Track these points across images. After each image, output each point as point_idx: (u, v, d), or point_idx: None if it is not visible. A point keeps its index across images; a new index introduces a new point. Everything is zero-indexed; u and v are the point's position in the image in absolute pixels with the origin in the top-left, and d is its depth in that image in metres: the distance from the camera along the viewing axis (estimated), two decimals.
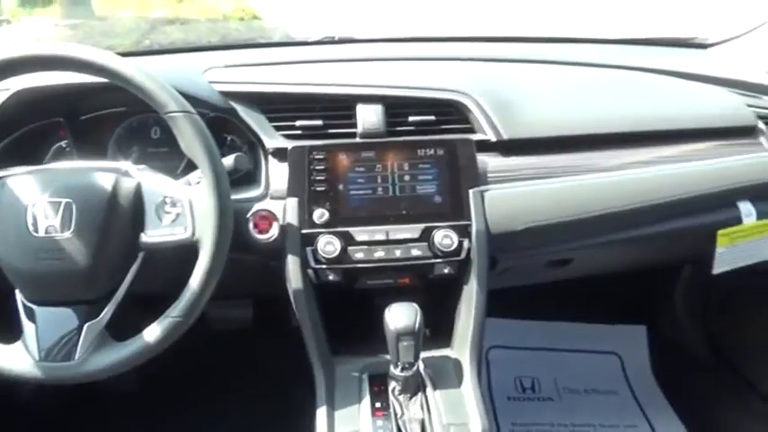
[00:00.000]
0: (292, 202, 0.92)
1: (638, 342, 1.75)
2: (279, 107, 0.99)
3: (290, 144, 0.95)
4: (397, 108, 1.00)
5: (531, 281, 1.23)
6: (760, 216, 1.07)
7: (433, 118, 0.99)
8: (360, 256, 0.91)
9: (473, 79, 1.05)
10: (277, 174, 0.96)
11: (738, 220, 1.07)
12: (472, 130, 1.00)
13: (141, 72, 0.78)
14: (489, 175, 0.97)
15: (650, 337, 1.76)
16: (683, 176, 1.03)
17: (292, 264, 0.91)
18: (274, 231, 0.91)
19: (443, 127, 0.99)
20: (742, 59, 1.25)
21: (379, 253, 0.91)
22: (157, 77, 0.79)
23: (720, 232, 1.07)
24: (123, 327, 0.81)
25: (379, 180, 0.94)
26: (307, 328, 0.92)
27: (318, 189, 0.93)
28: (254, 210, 0.92)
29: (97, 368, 0.77)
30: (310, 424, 0.87)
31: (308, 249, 0.90)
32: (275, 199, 0.94)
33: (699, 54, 1.32)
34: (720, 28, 1.34)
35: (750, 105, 1.12)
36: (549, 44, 1.33)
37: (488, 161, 0.98)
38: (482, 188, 0.95)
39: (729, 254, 1.09)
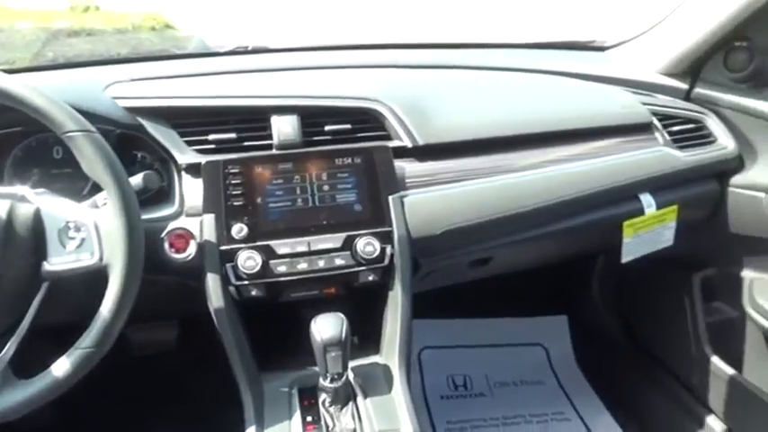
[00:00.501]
0: (209, 219, 0.89)
1: (560, 332, 1.84)
2: (190, 121, 0.96)
3: (203, 159, 0.93)
4: (312, 118, 0.99)
5: (455, 281, 1.26)
6: (659, 206, 1.15)
7: (349, 126, 0.99)
8: (282, 269, 0.90)
9: (387, 86, 1.06)
10: (191, 190, 0.93)
11: (641, 211, 1.14)
12: (389, 137, 1.01)
13: (33, 90, 0.73)
14: (407, 180, 0.98)
15: (572, 326, 1.85)
16: (589, 173, 1.09)
17: (212, 282, 0.88)
18: (192, 250, 0.88)
19: (360, 135, 1.00)
20: (636, 60, 1.33)
21: (302, 265, 0.90)
22: (52, 95, 0.75)
23: (626, 223, 1.14)
24: (29, 362, 0.75)
25: (298, 191, 0.93)
26: (231, 346, 0.89)
27: (236, 204, 0.91)
28: (169, 228, 0.89)
29: (1, 409, 0.72)
30: None
31: (228, 266, 0.88)
32: (191, 216, 0.91)
33: (598, 56, 1.40)
34: (616, 31, 1.43)
35: (645, 103, 1.20)
36: (459, 49, 1.37)
37: (406, 167, 0.99)
38: (401, 194, 0.96)
39: (635, 243, 1.16)
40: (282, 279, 0.90)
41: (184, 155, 0.94)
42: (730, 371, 1.32)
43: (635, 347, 1.68)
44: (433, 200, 0.98)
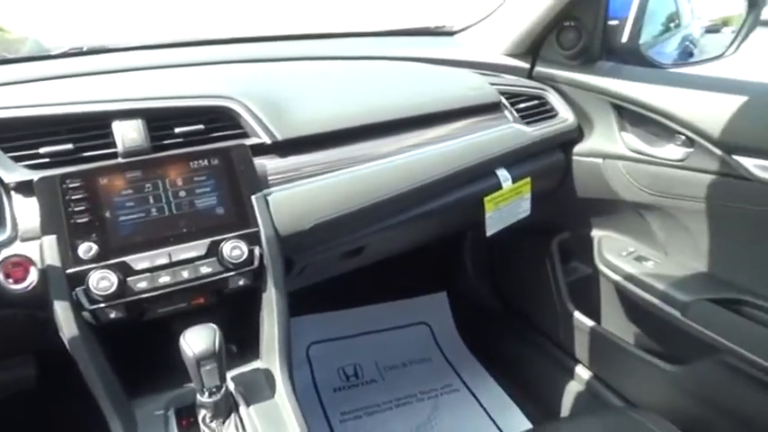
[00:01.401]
0: (49, 241, 0.80)
1: (441, 308, 1.91)
2: (15, 134, 0.85)
3: (35, 175, 0.83)
4: (160, 121, 0.92)
5: (330, 275, 1.25)
6: (514, 179, 1.23)
7: (201, 127, 0.94)
8: (143, 285, 0.83)
9: (238, 82, 1.02)
10: (25, 211, 0.83)
11: (499, 186, 1.21)
12: (246, 135, 0.97)
13: None
14: (270, 178, 0.96)
15: (452, 301, 1.94)
16: (448, 154, 1.12)
17: (61, 310, 0.80)
18: (33, 277, 0.79)
19: (215, 135, 0.95)
20: (482, 43, 1.40)
21: (165, 278, 0.84)
22: None
23: (486, 199, 1.20)
24: None
25: (152, 200, 0.87)
26: (91, 376, 0.82)
27: (80, 221, 0.82)
28: (1, 257, 0.79)
29: None
30: None
31: (79, 289, 0.80)
32: (28, 240, 0.81)
33: (447, 41, 1.45)
34: (463, 15, 1.49)
35: (492, 84, 1.27)
36: (311, 41, 1.35)
37: (267, 164, 0.96)
38: (264, 192, 0.93)
39: (496, 216, 1.23)
40: (144, 296, 0.83)
41: (12, 172, 0.83)
42: (590, 323, 1.46)
43: (509, 313, 1.79)
44: (298, 195, 0.96)
